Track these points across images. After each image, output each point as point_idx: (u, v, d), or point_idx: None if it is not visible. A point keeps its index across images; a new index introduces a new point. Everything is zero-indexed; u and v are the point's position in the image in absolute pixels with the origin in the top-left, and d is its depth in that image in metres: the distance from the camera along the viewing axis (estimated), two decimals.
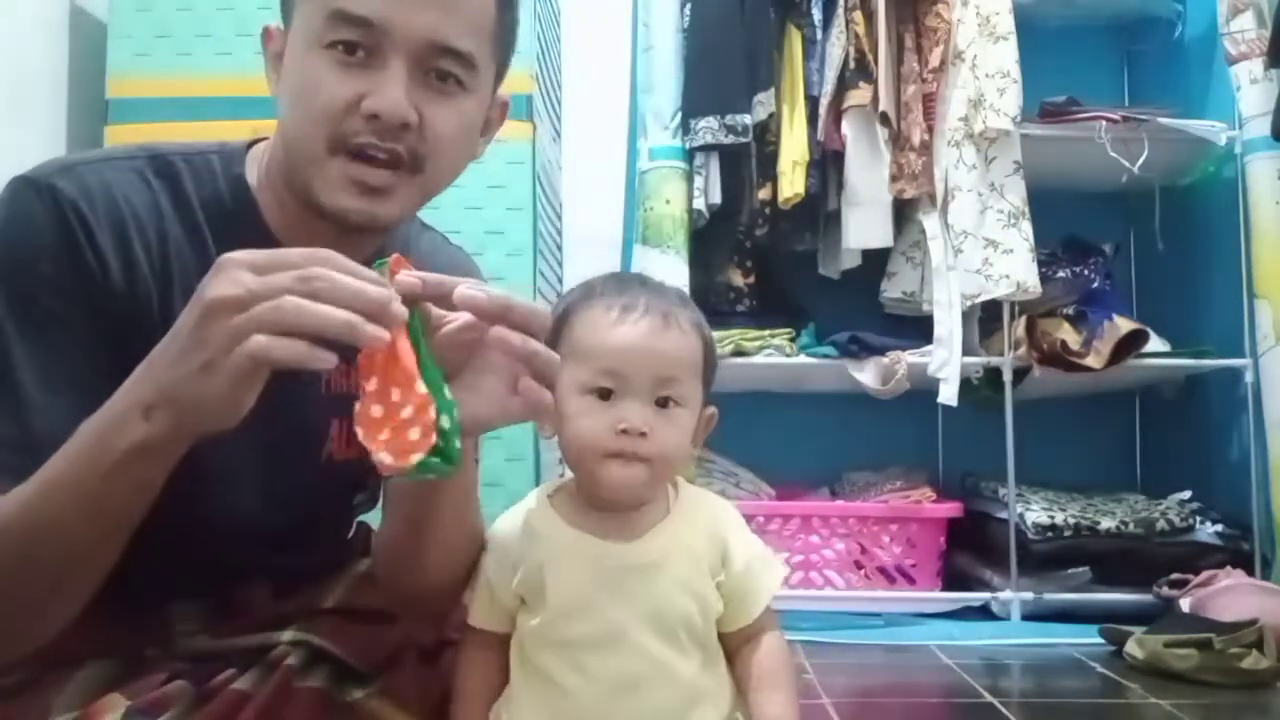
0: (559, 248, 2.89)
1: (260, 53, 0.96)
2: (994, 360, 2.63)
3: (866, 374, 2.62)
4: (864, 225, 2.64)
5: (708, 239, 2.72)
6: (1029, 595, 2.48)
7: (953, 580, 2.67)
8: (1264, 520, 2.47)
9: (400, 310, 0.71)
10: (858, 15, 2.63)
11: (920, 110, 2.63)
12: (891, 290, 2.77)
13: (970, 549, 2.71)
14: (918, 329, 2.67)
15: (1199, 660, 1.91)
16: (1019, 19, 2.64)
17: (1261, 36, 2.46)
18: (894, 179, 2.62)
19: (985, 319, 2.71)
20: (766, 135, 2.65)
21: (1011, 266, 2.58)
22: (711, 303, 2.66)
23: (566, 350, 0.88)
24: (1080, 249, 2.90)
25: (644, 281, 0.95)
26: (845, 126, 2.62)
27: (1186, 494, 2.63)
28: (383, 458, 0.72)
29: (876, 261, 2.77)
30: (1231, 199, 2.60)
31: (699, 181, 2.64)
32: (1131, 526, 2.50)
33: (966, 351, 2.59)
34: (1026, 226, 2.60)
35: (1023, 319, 2.63)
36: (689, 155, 2.66)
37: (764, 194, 2.65)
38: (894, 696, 2.00)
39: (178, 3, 2.37)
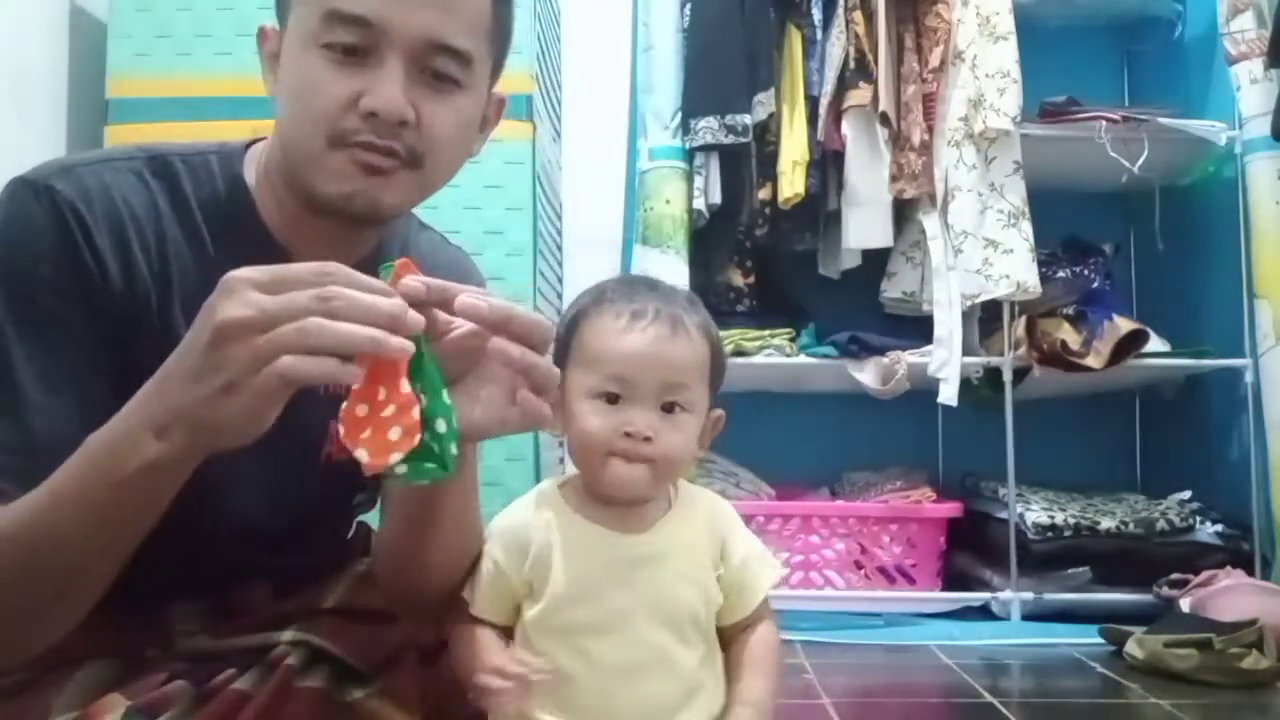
0: (559, 248, 2.89)
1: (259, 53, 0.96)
2: (994, 360, 2.63)
3: (866, 374, 2.62)
4: (864, 225, 2.64)
5: (708, 239, 2.72)
6: (1029, 595, 2.48)
7: (953, 580, 2.67)
8: (1264, 520, 2.47)
9: (416, 319, 0.72)
10: (858, 15, 2.63)
11: (920, 110, 2.63)
12: (891, 290, 2.77)
13: (970, 549, 2.71)
14: (918, 329, 2.67)
15: (1199, 660, 1.91)
16: (1019, 19, 2.64)
17: (1261, 36, 2.46)
18: (894, 179, 2.62)
19: (985, 319, 2.71)
20: (766, 135, 2.65)
21: (1011, 266, 2.58)
22: (711, 303, 2.64)
23: (576, 354, 0.91)
24: (1080, 249, 2.90)
25: (653, 286, 0.96)
26: (845, 126, 2.62)
27: (1186, 494, 2.63)
28: (360, 455, 0.72)
29: (876, 261, 2.77)
30: (1231, 199, 2.60)
31: (699, 181, 2.64)
32: (1131, 526, 2.50)
33: (966, 351, 2.59)
34: (1026, 226, 2.60)
35: (1023, 319, 2.63)
36: (689, 155, 2.66)
37: (764, 194, 2.66)
38: (894, 696, 2.00)
39: (178, 3, 2.37)
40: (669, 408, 0.90)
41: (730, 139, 2.61)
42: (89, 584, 0.80)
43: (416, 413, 0.72)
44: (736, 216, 2.70)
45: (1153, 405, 3.05)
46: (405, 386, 0.72)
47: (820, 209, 2.72)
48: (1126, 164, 2.57)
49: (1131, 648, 2.04)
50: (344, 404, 0.73)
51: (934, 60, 2.63)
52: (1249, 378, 2.55)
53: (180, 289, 0.91)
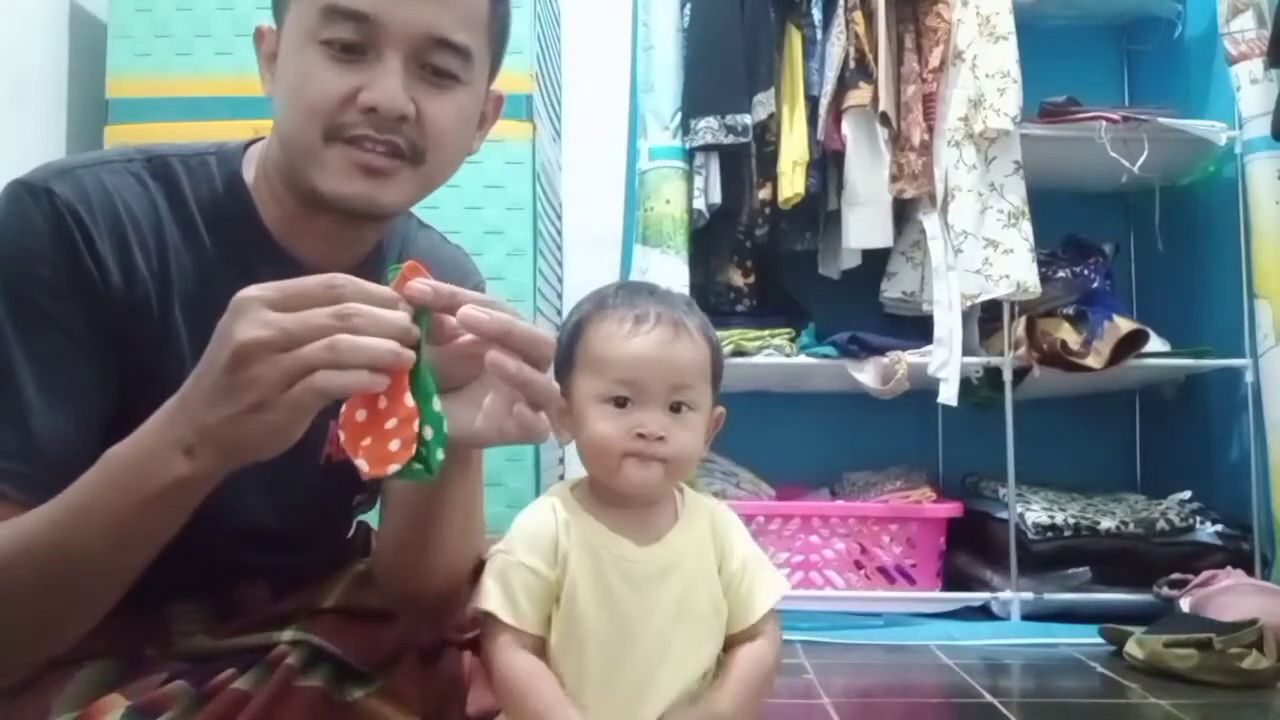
0: (559, 248, 2.89)
1: None
2: (994, 360, 2.63)
3: (866, 374, 2.61)
4: (864, 225, 2.64)
5: (708, 239, 2.72)
6: (1029, 595, 2.48)
7: (953, 580, 2.67)
8: (1264, 520, 2.47)
9: (415, 331, 0.73)
10: (858, 15, 2.63)
11: (920, 110, 2.63)
12: (891, 290, 2.76)
13: (970, 549, 2.71)
14: (918, 329, 2.67)
15: (1199, 660, 1.91)
16: (1019, 19, 2.63)
17: (1261, 36, 2.46)
18: (894, 179, 2.62)
19: (985, 319, 2.70)
20: (766, 135, 2.65)
21: (1011, 266, 2.58)
22: (711, 303, 2.66)
23: (582, 361, 0.93)
24: (1080, 249, 2.90)
25: (653, 291, 0.98)
26: (845, 126, 2.61)
27: (1186, 494, 2.62)
28: (360, 464, 0.73)
29: (876, 261, 2.77)
30: (1231, 199, 2.60)
31: (699, 181, 2.64)
32: (1131, 526, 2.50)
33: (966, 351, 2.59)
34: (1026, 226, 2.60)
35: (1023, 319, 2.63)
36: (689, 155, 2.65)
37: (764, 194, 2.65)
38: (894, 696, 2.00)
39: (178, 3, 2.37)
40: (676, 408, 0.92)
41: (730, 139, 2.61)
42: (104, 596, 0.80)
43: (417, 425, 0.73)
44: (736, 216, 2.69)
45: (1153, 405, 3.05)
46: (409, 400, 0.73)
47: (820, 209, 2.72)
48: (1126, 164, 2.56)
49: (1131, 648, 2.04)
50: (343, 407, 0.73)
51: (934, 60, 2.63)
52: (1249, 378, 2.55)
53: (180, 290, 0.91)
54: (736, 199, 2.68)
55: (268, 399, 0.70)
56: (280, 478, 0.95)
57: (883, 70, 2.60)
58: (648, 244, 2.63)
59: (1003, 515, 2.57)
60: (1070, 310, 2.71)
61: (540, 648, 0.91)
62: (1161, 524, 2.51)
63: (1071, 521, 2.51)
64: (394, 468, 0.73)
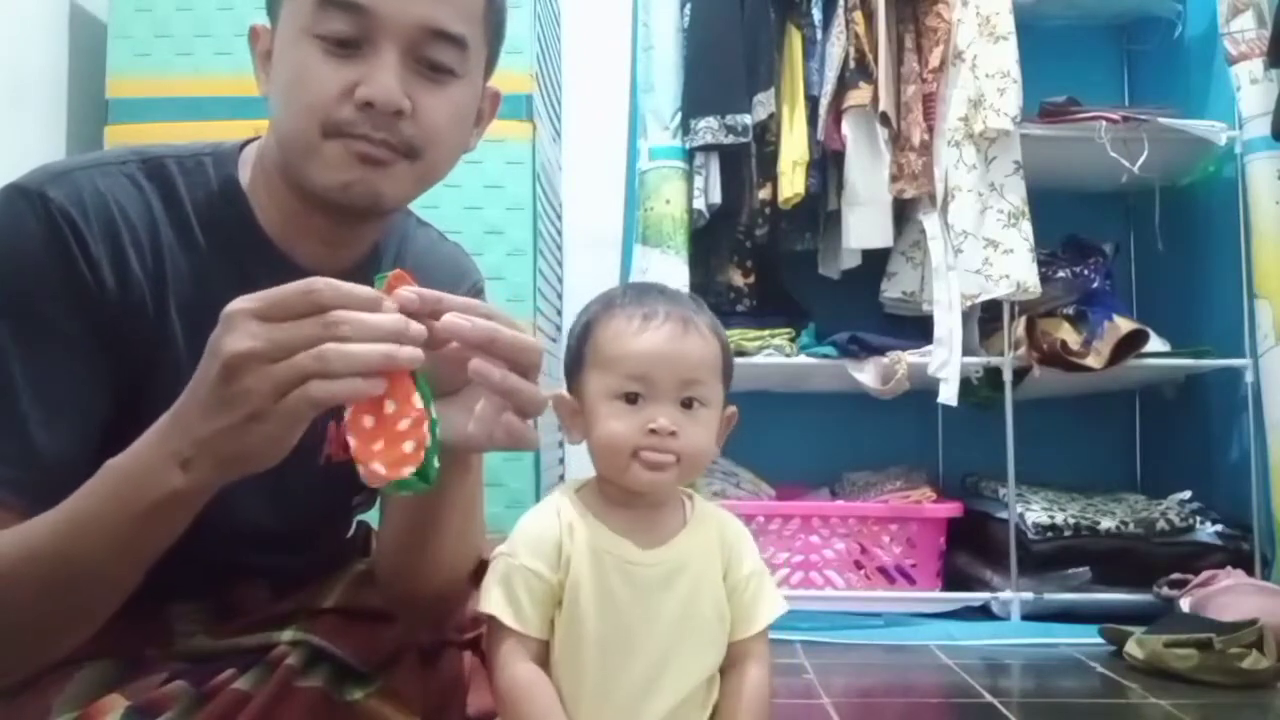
0: (559, 248, 2.89)
1: None
2: (994, 360, 2.63)
3: (866, 374, 2.61)
4: (864, 225, 2.64)
5: (708, 239, 2.71)
6: (1029, 595, 2.48)
7: (953, 580, 2.67)
8: (1264, 520, 2.47)
9: (419, 329, 0.73)
10: (858, 15, 2.62)
11: (920, 110, 2.63)
12: (891, 290, 2.76)
13: (970, 549, 2.71)
14: (918, 329, 2.67)
15: (1199, 660, 1.91)
16: (1019, 19, 2.63)
17: (1261, 36, 2.46)
18: (894, 179, 2.62)
19: (985, 319, 2.70)
20: (766, 135, 2.65)
21: (1011, 266, 2.58)
22: (711, 303, 2.58)
23: (591, 359, 0.93)
24: (1080, 249, 2.90)
25: (661, 290, 0.98)
26: (845, 126, 2.61)
27: (1186, 494, 2.62)
28: (376, 468, 0.73)
29: (876, 261, 2.77)
30: (1231, 199, 2.60)
31: (699, 181, 2.64)
32: (1131, 526, 2.50)
33: (966, 351, 2.59)
34: (1026, 226, 2.60)
35: (1023, 319, 2.63)
36: (689, 155, 2.65)
37: (764, 194, 2.65)
38: (894, 696, 2.00)
39: (178, 3, 2.37)
40: (688, 403, 0.92)
41: (730, 139, 2.61)
42: (105, 603, 0.81)
43: (427, 427, 0.73)
44: (736, 216, 2.69)
45: (1153, 405, 3.05)
46: (418, 401, 0.73)
47: (820, 209, 2.72)
48: (1126, 164, 2.56)
49: (1131, 648, 2.04)
50: (346, 414, 0.73)
51: (934, 60, 2.63)
52: (1249, 378, 2.55)
53: (175, 291, 0.91)
54: (736, 199, 2.68)
55: (261, 410, 0.70)
56: (280, 479, 0.94)
57: (883, 70, 2.60)
58: (648, 244, 2.63)
59: (1003, 515, 2.57)
60: (1070, 310, 2.71)
61: (543, 652, 0.90)
62: (1161, 524, 2.51)
63: (1071, 521, 2.51)
64: (408, 469, 0.73)
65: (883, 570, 2.62)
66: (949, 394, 2.55)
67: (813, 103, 2.65)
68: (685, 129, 2.65)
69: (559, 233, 2.90)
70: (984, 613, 2.54)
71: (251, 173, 0.96)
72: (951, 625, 2.44)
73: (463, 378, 0.79)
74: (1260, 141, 2.49)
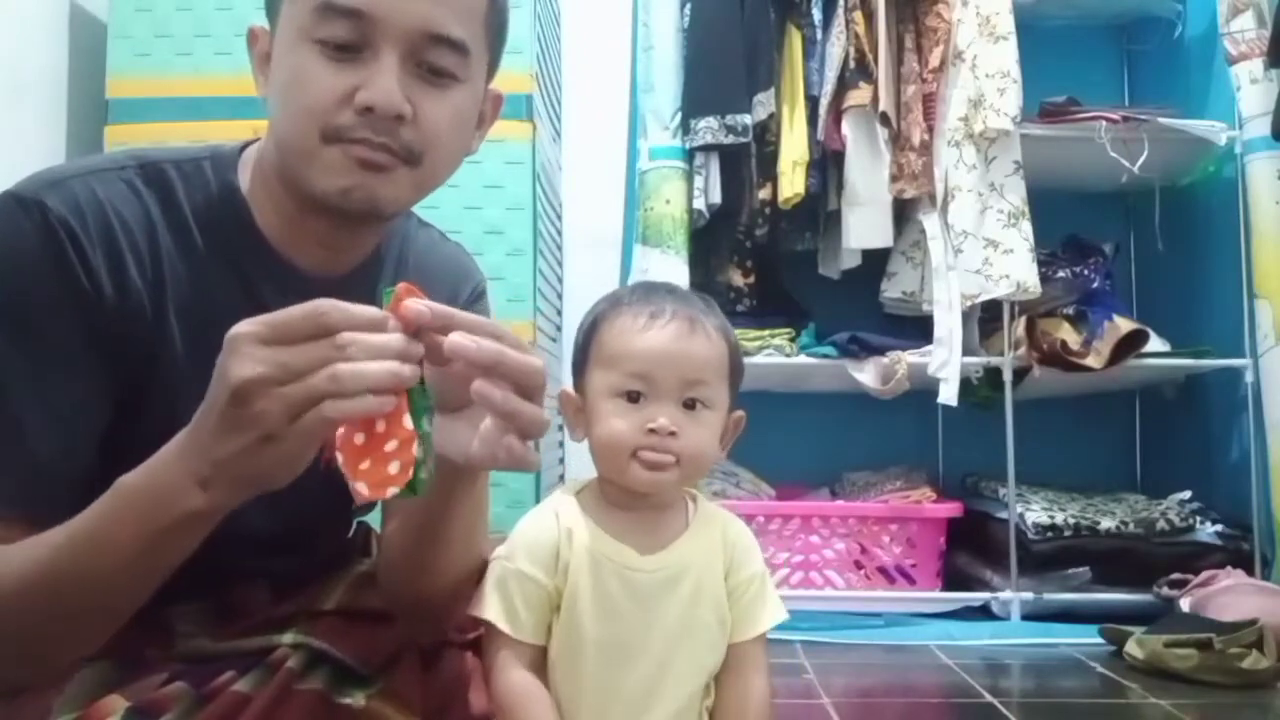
0: (559, 248, 2.89)
1: None
2: (994, 360, 2.63)
3: (866, 374, 2.61)
4: (864, 225, 2.64)
5: (708, 239, 2.71)
6: (1029, 595, 2.48)
7: (953, 580, 2.67)
8: (1264, 520, 2.47)
9: (417, 349, 0.73)
10: (858, 15, 2.63)
11: (920, 110, 2.63)
12: (891, 290, 2.76)
13: (970, 549, 2.71)
14: (918, 329, 2.67)
15: (1199, 660, 1.91)
16: (1019, 19, 2.64)
17: (1261, 36, 2.46)
18: (894, 179, 2.62)
19: (985, 319, 2.70)
20: (766, 135, 2.65)
21: (1011, 266, 2.58)
22: None
23: (596, 356, 0.92)
24: (1080, 249, 2.90)
25: (670, 289, 0.97)
26: (845, 126, 2.61)
27: (1186, 494, 2.62)
28: (359, 488, 0.73)
29: (876, 261, 2.77)
30: (1231, 199, 2.60)
31: (699, 181, 2.64)
32: (1131, 526, 2.50)
33: (966, 351, 2.59)
34: (1026, 226, 2.60)
35: (1023, 319, 2.63)
36: (689, 155, 2.65)
37: (764, 194, 2.65)
38: (894, 696, 2.00)
39: (178, 3, 2.37)
40: (690, 404, 0.91)
41: (730, 139, 2.61)
42: (113, 620, 0.81)
43: (416, 448, 0.73)
44: (736, 216, 2.69)
45: (1153, 405, 3.05)
46: (408, 422, 0.73)
47: (820, 209, 2.72)
48: (1126, 164, 2.56)
49: (1131, 648, 2.04)
50: (339, 430, 0.73)
51: (934, 60, 2.63)
52: (1249, 378, 2.55)
53: (174, 296, 0.90)
54: (736, 199, 2.68)
55: (275, 431, 0.70)
56: None
57: (883, 70, 2.60)
58: (648, 244, 2.63)
59: (1003, 515, 2.57)
60: (1070, 310, 2.71)
61: (540, 658, 0.90)
62: (1161, 524, 2.51)
63: (1071, 521, 2.51)
64: (392, 490, 0.73)
65: (883, 570, 2.62)
66: (949, 394, 2.55)
67: (813, 103, 2.65)
68: (685, 129, 2.65)
69: (559, 233, 2.90)
70: (984, 613, 2.54)
71: (250, 176, 0.95)
72: (951, 625, 2.44)
73: (468, 394, 0.79)
74: (1260, 141, 2.49)
